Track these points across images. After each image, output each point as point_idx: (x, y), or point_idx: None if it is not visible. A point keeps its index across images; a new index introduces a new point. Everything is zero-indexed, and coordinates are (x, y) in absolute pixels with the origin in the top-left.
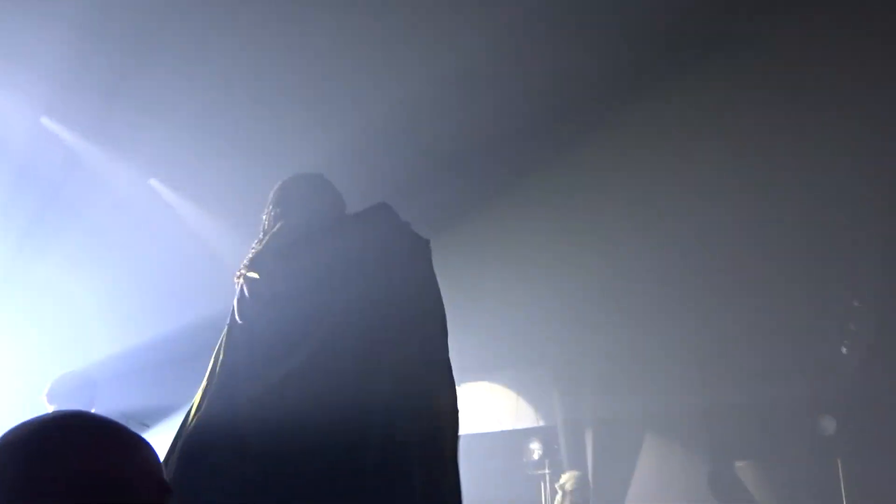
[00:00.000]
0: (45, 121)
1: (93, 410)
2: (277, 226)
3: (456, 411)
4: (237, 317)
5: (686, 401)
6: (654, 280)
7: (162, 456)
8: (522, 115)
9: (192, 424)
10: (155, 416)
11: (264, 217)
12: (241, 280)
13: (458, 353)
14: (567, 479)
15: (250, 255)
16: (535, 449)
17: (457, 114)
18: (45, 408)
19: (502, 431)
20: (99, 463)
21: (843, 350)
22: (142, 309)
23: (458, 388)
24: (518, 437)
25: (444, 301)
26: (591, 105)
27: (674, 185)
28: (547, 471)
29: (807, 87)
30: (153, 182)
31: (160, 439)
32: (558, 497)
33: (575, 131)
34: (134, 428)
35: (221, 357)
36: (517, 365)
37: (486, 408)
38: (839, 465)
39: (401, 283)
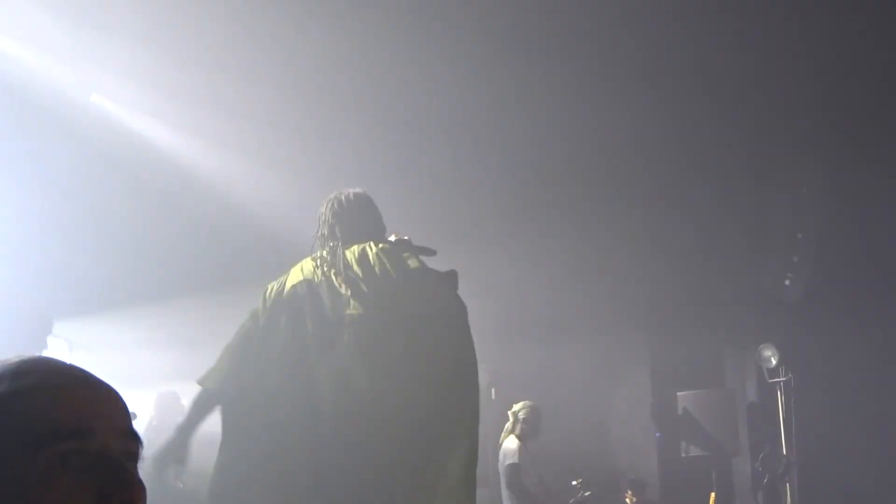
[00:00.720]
0: None
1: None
2: (356, 250)
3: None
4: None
5: (633, 335)
6: (595, 212)
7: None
8: None
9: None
10: None
11: (321, 226)
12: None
13: None
14: (520, 407)
15: (328, 257)
16: None
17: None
18: None
19: None
20: (61, 409)
21: (787, 282)
22: (91, 230)
23: None
24: None
25: None
26: None
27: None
28: None
29: None
30: (95, 97)
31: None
32: (509, 423)
33: None
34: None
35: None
36: None
37: None
38: (779, 395)
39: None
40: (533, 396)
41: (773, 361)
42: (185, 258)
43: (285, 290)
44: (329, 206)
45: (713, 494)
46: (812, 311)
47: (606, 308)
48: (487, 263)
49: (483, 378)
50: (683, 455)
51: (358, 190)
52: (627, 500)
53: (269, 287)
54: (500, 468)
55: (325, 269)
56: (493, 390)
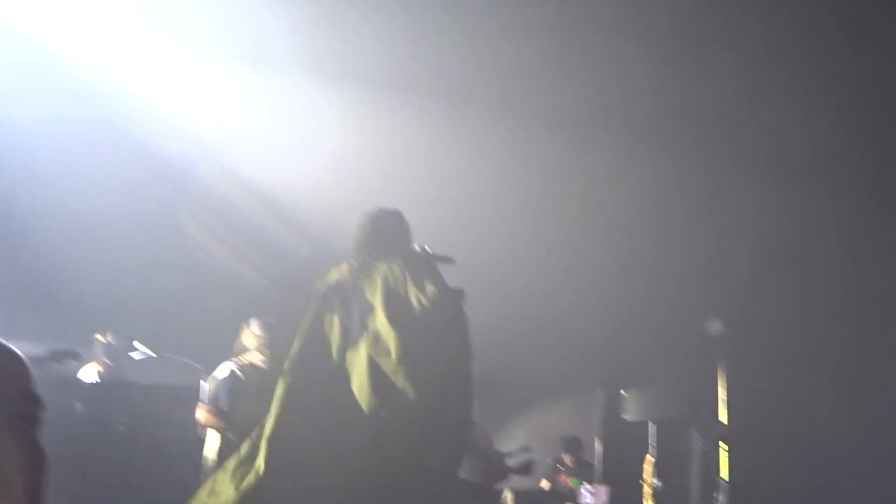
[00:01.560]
0: None
1: None
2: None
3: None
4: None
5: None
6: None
7: None
8: None
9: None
10: None
11: (359, 236)
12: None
13: None
14: None
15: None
16: None
17: None
18: None
19: None
20: None
21: (732, 252)
22: None
23: None
24: None
25: None
26: None
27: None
28: None
29: None
30: None
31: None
32: None
33: None
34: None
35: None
36: None
37: None
38: (720, 365)
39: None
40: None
41: (719, 332)
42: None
43: (325, 289)
44: (368, 219)
45: (649, 458)
46: (757, 282)
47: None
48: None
49: None
50: (624, 417)
51: (393, 209)
52: (564, 458)
53: (317, 284)
54: None
55: (358, 277)
56: None
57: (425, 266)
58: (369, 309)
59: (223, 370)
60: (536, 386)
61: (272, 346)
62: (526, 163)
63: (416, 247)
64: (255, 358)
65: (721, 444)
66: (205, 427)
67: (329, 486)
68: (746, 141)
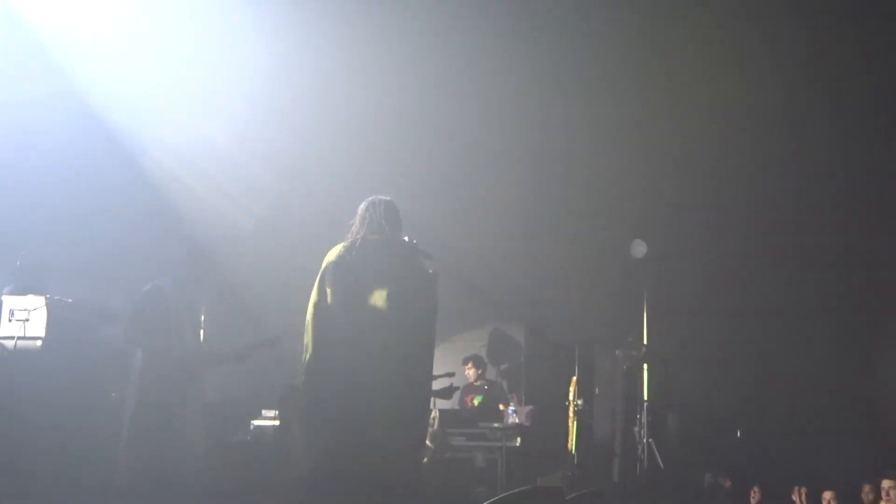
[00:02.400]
0: None
1: None
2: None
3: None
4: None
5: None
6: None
7: None
8: None
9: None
10: None
11: (358, 220)
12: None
13: None
14: None
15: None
16: None
17: None
18: None
19: None
20: None
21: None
22: None
23: None
24: None
25: None
26: None
27: None
28: None
29: None
30: None
31: None
32: None
33: None
34: None
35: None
36: None
37: None
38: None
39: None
40: None
41: (642, 254)
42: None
43: (330, 266)
44: (365, 206)
45: (574, 379)
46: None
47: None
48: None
49: None
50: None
51: (388, 198)
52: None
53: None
54: None
55: (356, 252)
56: None
57: (410, 250)
58: (364, 280)
59: (148, 286)
60: (463, 316)
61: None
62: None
63: (405, 236)
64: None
65: (644, 364)
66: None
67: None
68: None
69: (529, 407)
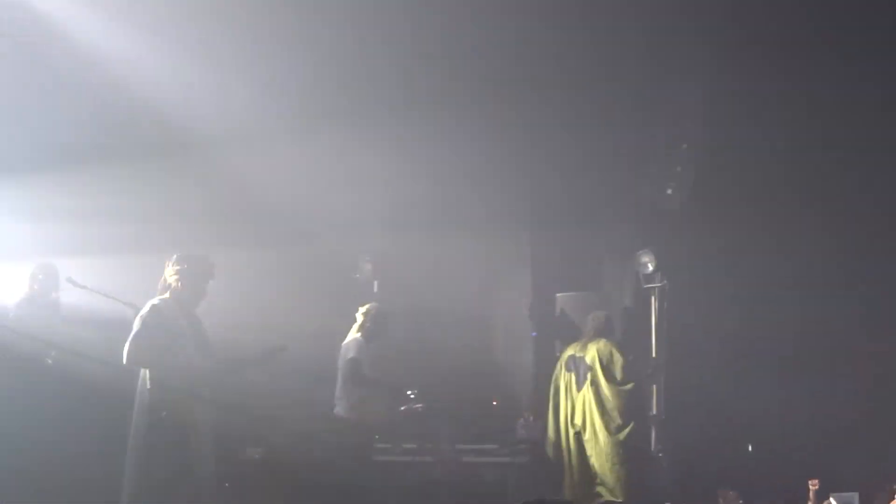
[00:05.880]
0: None
1: None
2: None
3: None
4: None
5: (516, 235)
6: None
7: None
8: None
9: None
10: None
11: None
12: None
13: None
14: (367, 308)
15: None
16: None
17: None
18: None
19: None
20: None
21: (668, 191)
22: None
23: None
24: None
25: None
26: None
27: None
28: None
29: None
30: None
31: None
32: (356, 323)
33: None
34: None
35: None
36: None
37: None
38: (653, 301)
39: None
40: (413, 290)
41: (650, 267)
42: (66, 128)
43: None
44: (591, 317)
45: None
46: (691, 221)
47: (490, 206)
48: (371, 152)
49: (366, 269)
50: (558, 355)
51: (602, 312)
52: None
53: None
54: (340, 363)
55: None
56: (375, 283)
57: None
58: (588, 368)
59: (146, 307)
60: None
61: (190, 276)
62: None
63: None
64: (175, 291)
65: (652, 380)
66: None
67: None
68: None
69: (541, 421)
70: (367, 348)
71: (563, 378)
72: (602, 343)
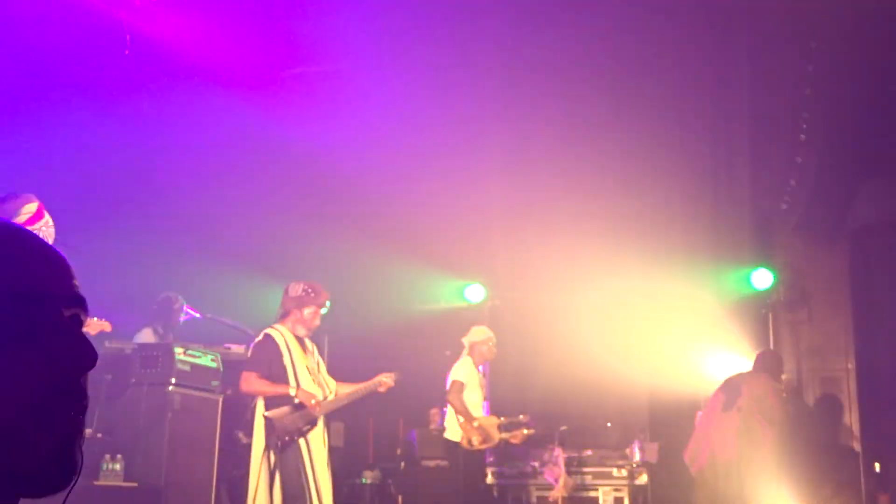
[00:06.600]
0: None
1: None
2: None
3: None
4: None
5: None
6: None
7: None
8: None
9: None
10: None
11: None
12: None
13: None
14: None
15: None
16: None
17: None
18: None
19: None
20: (57, 275)
21: (783, 206)
22: None
23: None
24: None
25: None
26: None
27: None
28: None
29: None
30: None
31: None
32: (465, 349)
33: None
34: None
35: None
36: None
37: None
38: (770, 318)
39: None
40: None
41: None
42: None
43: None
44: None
45: (699, 413)
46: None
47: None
48: None
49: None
50: None
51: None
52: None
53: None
54: (448, 387)
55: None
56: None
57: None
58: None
59: (261, 335)
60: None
61: (311, 302)
62: None
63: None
64: (295, 320)
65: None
66: (250, 393)
67: None
68: None
69: (656, 443)
70: (474, 371)
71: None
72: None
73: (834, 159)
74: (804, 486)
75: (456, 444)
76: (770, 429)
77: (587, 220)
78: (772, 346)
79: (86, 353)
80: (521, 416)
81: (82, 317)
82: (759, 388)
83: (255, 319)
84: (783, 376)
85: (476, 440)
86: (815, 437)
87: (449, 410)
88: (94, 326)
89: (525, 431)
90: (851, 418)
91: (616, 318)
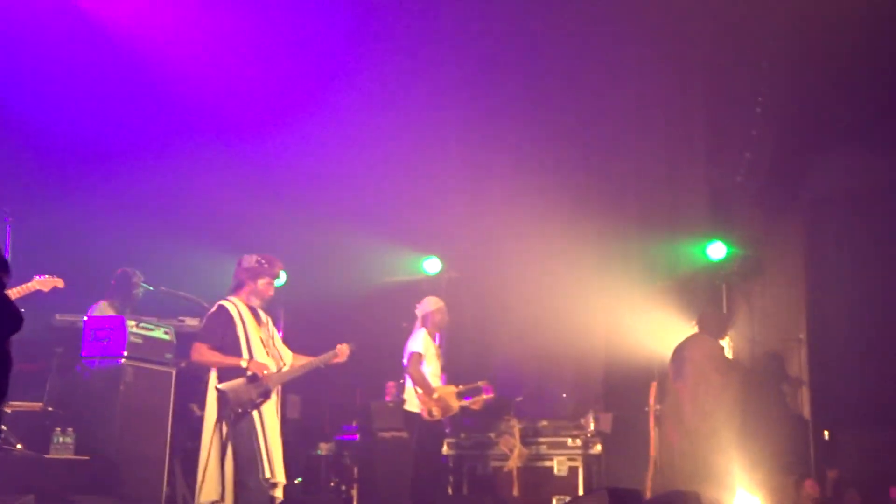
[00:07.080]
0: None
1: None
2: None
3: None
4: None
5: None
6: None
7: None
8: None
9: None
10: None
11: None
12: None
13: None
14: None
15: None
16: None
17: None
18: None
19: None
20: None
21: (739, 178)
22: None
23: None
24: None
25: None
26: None
27: None
28: None
29: None
30: None
31: None
32: (418, 319)
33: None
34: None
35: None
36: None
37: None
38: (724, 289)
39: None
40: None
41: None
42: None
43: None
44: None
45: (654, 384)
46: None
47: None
48: None
49: None
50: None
51: None
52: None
53: None
54: (405, 358)
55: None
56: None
57: None
58: None
59: (215, 306)
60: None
61: (264, 273)
62: None
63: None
64: (249, 291)
65: None
66: (201, 363)
67: None
68: None
69: (610, 414)
70: (430, 342)
71: None
72: None
73: (789, 132)
74: (756, 456)
75: (416, 415)
76: (718, 396)
77: (543, 192)
78: None
79: (11, 316)
80: (479, 382)
81: (4, 279)
82: (697, 352)
83: (210, 293)
84: (725, 337)
85: (436, 412)
86: (766, 407)
87: (408, 382)
88: (46, 283)
89: (484, 397)
90: (802, 389)
91: (572, 289)
